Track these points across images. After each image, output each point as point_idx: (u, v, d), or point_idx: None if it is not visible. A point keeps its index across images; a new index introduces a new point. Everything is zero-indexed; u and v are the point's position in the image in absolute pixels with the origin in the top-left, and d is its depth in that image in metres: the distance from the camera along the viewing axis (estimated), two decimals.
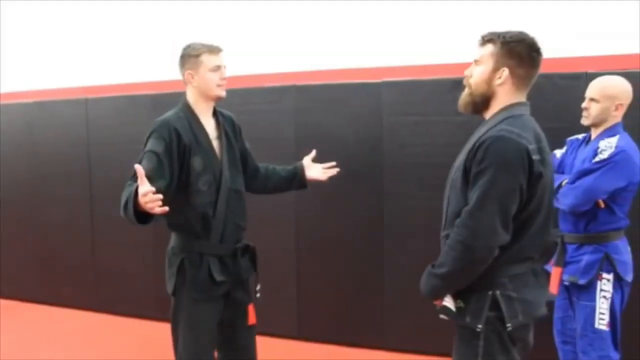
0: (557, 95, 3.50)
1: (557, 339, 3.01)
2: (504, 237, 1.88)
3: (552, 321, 3.01)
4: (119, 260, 4.84)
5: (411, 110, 3.90)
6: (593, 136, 2.87)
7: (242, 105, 4.14)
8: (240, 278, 2.62)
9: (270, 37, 4.62)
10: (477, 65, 2.03)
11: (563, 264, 2.79)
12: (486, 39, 2.02)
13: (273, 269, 4.22)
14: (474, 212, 1.87)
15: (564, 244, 2.81)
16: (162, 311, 4.08)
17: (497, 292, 1.92)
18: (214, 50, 2.56)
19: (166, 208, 2.16)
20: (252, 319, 2.67)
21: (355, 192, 4.08)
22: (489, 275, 1.91)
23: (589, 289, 2.75)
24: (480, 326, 1.92)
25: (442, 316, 2.03)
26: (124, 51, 5.19)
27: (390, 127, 3.96)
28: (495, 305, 1.92)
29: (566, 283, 2.84)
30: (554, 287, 2.76)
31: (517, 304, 1.92)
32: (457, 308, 1.98)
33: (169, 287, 2.56)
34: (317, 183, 4.09)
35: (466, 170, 1.94)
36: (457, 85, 3.66)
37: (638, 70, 3.32)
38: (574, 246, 2.81)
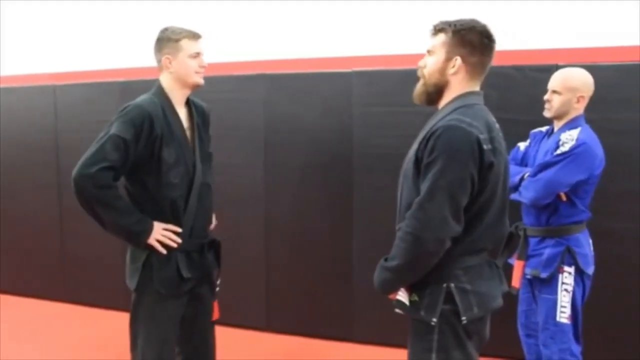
0: (528, 88, 3.48)
1: (521, 333, 3.00)
2: (455, 229, 1.84)
3: (516, 315, 3.00)
4: (88, 250, 4.76)
5: (382, 100, 3.87)
6: (556, 128, 2.85)
7: (209, 94, 3.99)
8: (207, 274, 2.56)
9: (239, 24, 4.55)
10: (430, 56, 2.00)
11: (525, 257, 2.77)
12: (438, 28, 1.98)
13: (242, 260, 4.20)
14: (423, 203, 1.83)
15: (526, 237, 2.79)
16: (129, 301, 4.04)
17: (452, 285, 1.89)
18: (194, 35, 2.46)
19: (179, 240, 2.38)
20: (215, 314, 2.61)
21: (324, 182, 4.05)
22: (442, 268, 1.88)
23: (550, 282, 2.73)
24: (434, 320, 1.89)
25: (397, 310, 1.99)
26: (93, 37, 5.09)
27: (360, 117, 3.92)
28: (449, 298, 1.89)
29: (528, 277, 2.83)
30: (516, 281, 2.75)
31: (471, 296, 1.89)
32: (411, 302, 1.94)
33: (132, 283, 2.47)
34: (285, 173, 4.11)
35: (417, 161, 1.90)
36: None
37: (608, 63, 3.32)
38: (536, 239, 2.80)
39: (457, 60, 1.93)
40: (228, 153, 4.08)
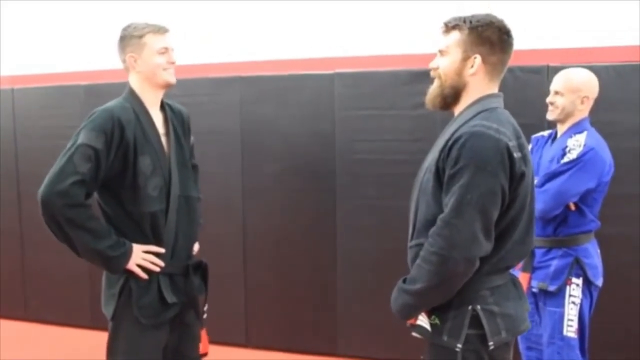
0: (518, 89, 3.38)
1: (521, 345, 2.88)
2: (486, 247, 1.68)
3: None
4: (50, 265, 4.50)
5: (365, 103, 3.75)
6: (559, 133, 2.75)
7: (183, 97, 3.87)
8: (192, 299, 2.31)
9: (214, 24, 4.39)
10: (443, 56, 1.82)
11: (531, 269, 2.65)
12: (451, 26, 1.81)
13: (219, 273, 3.94)
14: (450, 220, 1.66)
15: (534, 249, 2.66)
16: (97, 320, 3.82)
17: (478, 307, 1.73)
18: (159, 30, 2.24)
19: (162, 264, 2.19)
20: (204, 347, 2.36)
21: (305, 189, 3.90)
22: (467, 288, 1.71)
23: (557, 294, 2.63)
24: (459, 345, 1.72)
25: (414, 334, 1.82)
26: (55, 38, 4.88)
27: (342, 120, 3.80)
28: (475, 321, 1.72)
29: (535, 290, 2.71)
30: None
31: (499, 319, 1.73)
32: (432, 325, 1.77)
33: (108, 311, 2.22)
34: (264, 180, 3.95)
35: (438, 172, 1.73)
36: (413, 77, 3.57)
37: (600, 63, 3.24)
38: (542, 250, 2.68)
39: (477, 59, 1.77)
40: (203, 160, 3.84)
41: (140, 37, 2.22)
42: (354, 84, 3.77)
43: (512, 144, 1.68)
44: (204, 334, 2.38)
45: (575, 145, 2.57)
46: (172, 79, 2.26)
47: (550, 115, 2.73)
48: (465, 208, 1.64)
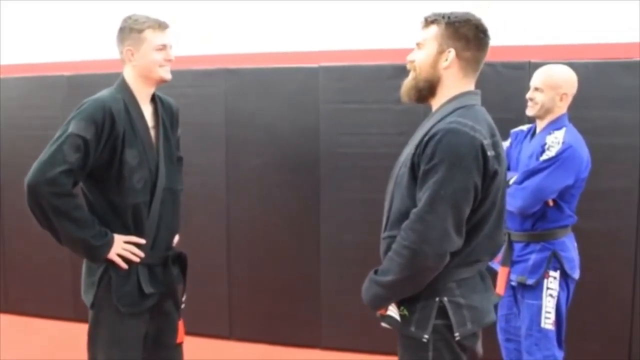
0: (500, 85, 3.42)
1: (500, 337, 2.92)
2: (457, 242, 1.72)
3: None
4: (31, 255, 4.45)
5: (349, 97, 3.75)
6: (538, 129, 2.78)
7: (168, 89, 3.83)
8: (170, 289, 2.33)
9: (198, 15, 4.35)
10: (420, 49, 1.86)
11: (510, 263, 2.69)
12: (430, 20, 1.85)
13: (203, 265, 4.00)
14: (423, 215, 1.69)
15: (510, 242, 2.71)
16: (79, 311, 3.80)
17: (445, 299, 1.77)
18: (160, 25, 2.23)
19: (142, 255, 2.19)
20: (180, 336, 2.39)
21: (289, 183, 3.90)
22: (436, 280, 1.76)
23: (535, 287, 2.67)
24: (426, 336, 1.77)
25: (384, 325, 1.86)
26: (38, 28, 4.80)
27: (327, 114, 3.79)
28: (442, 312, 1.77)
29: (513, 283, 2.75)
30: (501, 289, 2.67)
31: (465, 310, 1.78)
32: (401, 316, 1.81)
33: (88, 299, 2.24)
34: (248, 173, 3.95)
35: (414, 167, 1.76)
36: (398, 71, 3.53)
37: (581, 60, 3.27)
38: (521, 245, 2.72)
39: (451, 53, 1.80)
40: (187, 151, 3.83)
41: (140, 31, 2.21)
42: (338, 78, 3.76)
43: (486, 142, 1.72)
44: (180, 324, 2.39)
45: (554, 142, 2.60)
46: (168, 76, 2.27)
47: (530, 111, 2.75)
48: (438, 203, 1.67)
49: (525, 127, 2.89)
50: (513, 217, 2.72)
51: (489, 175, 1.72)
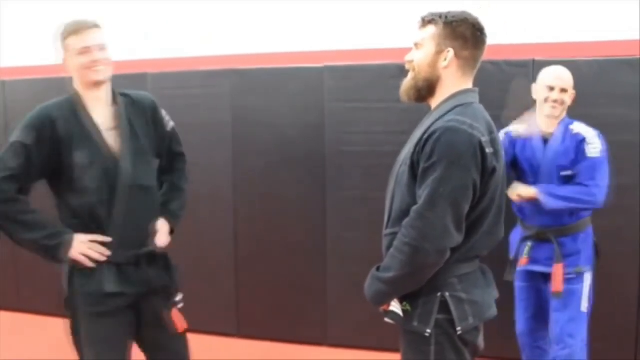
0: (504, 83, 3.42)
1: (526, 340, 2.97)
2: (457, 239, 1.74)
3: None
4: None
5: (354, 96, 3.78)
6: (550, 128, 2.82)
7: (174, 90, 3.95)
8: (150, 288, 2.30)
9: (205, 17, 4.37)
10: (418, 49, 1.88)
11: (562, 259, 2.76)
12: (427, 20, 1.87)
13: (210, 263, 4.05)
14: (423, 212, 1.72)
15: (548, 239, 2.79)
16: None
17: (446, 294, 1.80)
18: (77, 30, 2.22)
19: (107, 253, 2.18)
20: (180, 325, 2.36)
21: (295, 182, 3.93)
22: (437, 276, 1.78)
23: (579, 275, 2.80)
24: (429, 331, 1.80)
25: (387, 320, 1.89)
26: (45, 31, 4.79)
27: (332, 113, 3.82)
28: (444, 307, 1.80)
29: (572, 276, 2.79)
30: (559, 285, 2.74)
31: (467, 305, 1.81)
32: (404, 311, 1.84)
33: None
34: (254, 172, 3.99)
35: (413, 165, 1.78)
36: (402, 70, 3.56)
37: (585, 58, 3.29)
38: (568, 238, 2.80)
39: (450, 53, 1.82)
40: (194, 151, 3.89)
41: (64, 39, 2.24)
42: (343, 77, 3.79)
43: (484, 139, 1.73)
44: (175, 314, 2.34)
45: (589, 134, 2.72)
46: (99, 77, 2.22)
47: (555, 112, 2.78)
48: (438, 201, 1.70)
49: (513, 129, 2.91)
50: (543, 213, 2.76)
51: (487, 172, 1.75)
